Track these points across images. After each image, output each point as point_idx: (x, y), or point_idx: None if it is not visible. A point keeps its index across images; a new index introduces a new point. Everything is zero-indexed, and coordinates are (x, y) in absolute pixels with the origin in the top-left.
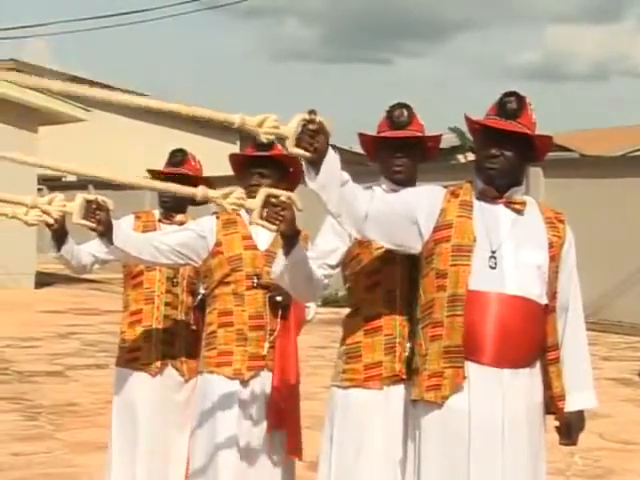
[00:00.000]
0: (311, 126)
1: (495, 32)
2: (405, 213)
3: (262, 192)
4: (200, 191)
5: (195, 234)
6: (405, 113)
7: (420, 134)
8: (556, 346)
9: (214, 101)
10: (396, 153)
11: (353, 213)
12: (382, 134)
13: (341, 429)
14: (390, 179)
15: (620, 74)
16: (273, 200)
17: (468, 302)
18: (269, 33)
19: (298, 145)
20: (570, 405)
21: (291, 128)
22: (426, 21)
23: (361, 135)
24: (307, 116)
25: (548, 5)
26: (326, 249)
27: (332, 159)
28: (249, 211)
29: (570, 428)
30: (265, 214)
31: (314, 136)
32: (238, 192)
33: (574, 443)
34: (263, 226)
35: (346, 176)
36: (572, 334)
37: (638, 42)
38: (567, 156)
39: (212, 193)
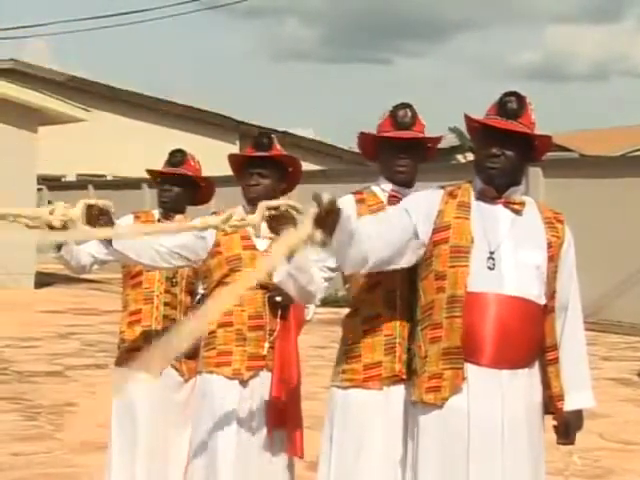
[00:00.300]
0: (322, 211)
1: (495, 32)
2: (407, 236)
3: (261, 207)
4: (200, 222)
5: (194, 235)
6: (409, 113)
7: (422, 135)
8: (555, 346)
9: (214, 101)
10: (400, 154)
11: (355, 261)
12: (387, 134)
13: (341, 429)
14: (392, 179)
15: (620, 74)
16: (273, 212)
17: (467, 303)
18: (269, 33)
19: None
20: (568, 405)
21: (307, 225)
22: (426, 21)
23: (364, 134)
24: (315, 210)
25: (548, 5)
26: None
27: (344, 224)
28: (253, 227)
29: (568, 427)
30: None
31: (326, 218)
32: (237, 214)
33: (572, 442)
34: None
35: (353, 227)
36: (570, 334)
37: (638, 42)
38: (567, 156)
39: (212, 221)
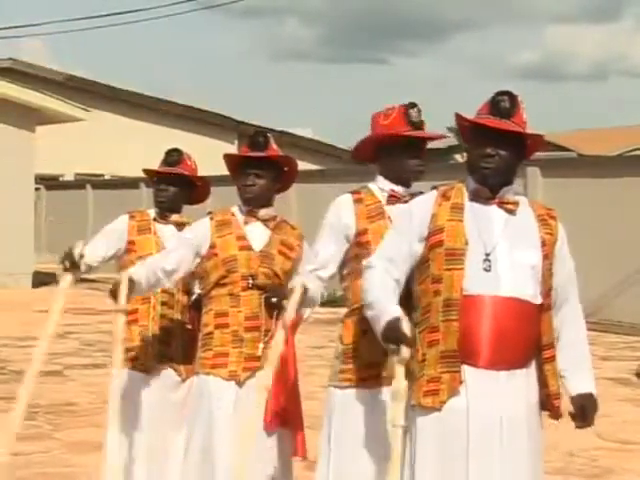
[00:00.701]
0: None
1: (495, 32)
2: (412, 256)
3: (286, 318)
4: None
5: (189, 245)
6: (419, 113)
7: (442, 134)
8: (551, 344)
9: (214, 101)
10: (417, 153)
11: None
12: (413, 133)
13: (339, 429)
14: (398, 179)
15: (619, 74)
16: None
17: (463, 306)
18: (268, 33)
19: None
20: (582, 387)
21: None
22: (426, 21)
23: (379, 134)
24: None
25: (548, 5)
26: (325, 257)
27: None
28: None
29: (585, 410)
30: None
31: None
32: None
33: (590, 424)
34: None
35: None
36: (573, 323)
37: (638, 42)
38: (565, 156)
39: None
